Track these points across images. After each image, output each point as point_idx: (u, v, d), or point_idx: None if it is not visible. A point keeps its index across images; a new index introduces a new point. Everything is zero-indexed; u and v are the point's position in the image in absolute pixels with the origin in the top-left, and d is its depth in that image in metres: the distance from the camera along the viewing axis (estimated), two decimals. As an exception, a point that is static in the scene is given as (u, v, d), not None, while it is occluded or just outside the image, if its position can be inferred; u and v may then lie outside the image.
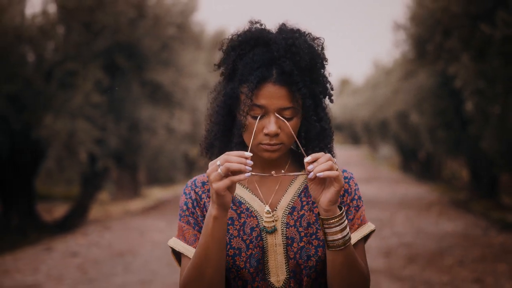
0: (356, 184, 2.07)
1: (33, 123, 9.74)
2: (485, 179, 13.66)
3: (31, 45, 10.36)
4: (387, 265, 7.57)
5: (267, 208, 2.00)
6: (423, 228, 10.47)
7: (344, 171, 2.06)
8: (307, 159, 1.81)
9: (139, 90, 11.44)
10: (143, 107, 11.52)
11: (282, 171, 1.96)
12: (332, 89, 2.03)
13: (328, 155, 1.81)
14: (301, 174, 1.87)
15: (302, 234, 1.98)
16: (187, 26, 12.28)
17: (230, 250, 1.96)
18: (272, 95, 1.88)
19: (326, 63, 2.01)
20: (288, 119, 1.90)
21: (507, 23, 6.11)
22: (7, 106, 9.31)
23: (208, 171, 1.78)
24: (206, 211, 1.98)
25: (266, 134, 1.90)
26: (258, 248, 1.98)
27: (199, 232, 1.98)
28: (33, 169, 10.83)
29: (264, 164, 2.01)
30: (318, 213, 1.87)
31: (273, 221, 1.99)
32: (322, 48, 2.01)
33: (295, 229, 1.99)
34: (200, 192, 2.03)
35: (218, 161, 1.76)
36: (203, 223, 1.97)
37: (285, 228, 2.00)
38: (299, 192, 2.04)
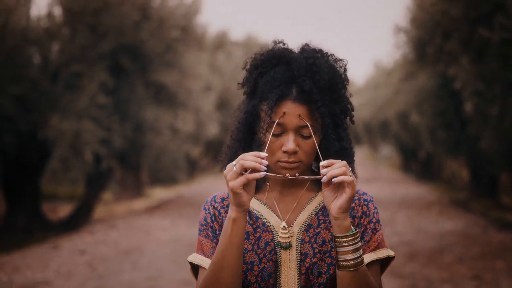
0: (375, 208, 2.05)
1: (39, 124, 9.85)
2: (485, 179, 13.82)
3: (37, 47, 10.52)
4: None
5: (283, 224, 2.02)
6: (423, 227, 10.64)
7: (364, 193, 2.07)
8: (323, 162, 1.83)
9: (143, 91, 11.60)
10: (148, 107, 11.67)
11: (297, 174, 1.93)
12: (352, 110, 2.05)
13: (344, 162, 1.84)
14: (316, 178, 1.87)
15: (316, 250, 1.99)
16: (190, 28, 12.42)
17: (243, 265, 1.96)
18: (291, 112, 1.90)
19: (347, 84, 2.03)
20: (307, 137, 1.92)
21: (504, 26, 6.28)
22: (14, 107, 9.41)
23: (224, 172, 1.84)
24: None
25: (285, 152, 1.91)
26: (271, 262, 1.99)
27: (217, 244, 1.97)
28: (39, 169, 10.97)
29: (284, 183, 2.03)
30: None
31: (288, 236, 2.00)
32: (345, 70, 2.03)
33: (310, 245, 2.00)
34: (218, 207, 2.06)
35: (234, 161, 1.82)
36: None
37: (300, 244, 2.01)
38: (317, 210, 2.05)
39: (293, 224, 2.02)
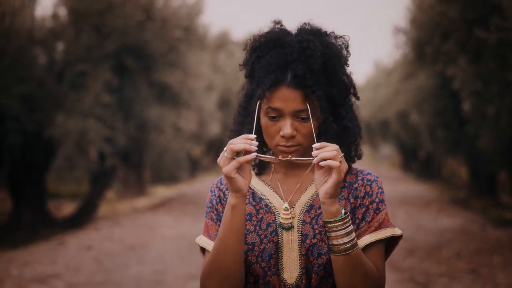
0: (379, 188, 2.04)
1: (44, 123, 9.97)
2: (483, 178, 13.96)
3: (42, 47, 10.67)
4: (388, 257, 7.90)
5: (286, 205, 2.02)
6: (422, 224, 10.81)
7: (368, 173, 2.06)
8: (315, 145, 1.84)
9: (147, 90, 11.75)
10: (151, 107, 11.82)
11: (289, 156, 1.93)
12: (354, 88, 2.07)
13: (336, 146, 1.83)
14: (307, 160, 1.88)
15: (317, 231, 1.99)
16: (193, 29, 12.55)
17: (244, 246, 1.96)
18: (286, 98, 1.90)
19: (347, 62, 2.04)
20: (304, 120, 1.93)
21: (501, 28, 6.45)
22: (20, 106, 9.52)
23: (218, 159, 1.86)
24: None
25: (282, 136, 1.93)
26: (271, 243, 1.99)
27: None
28: (44, 168, 11.12)
29: (288, 164, 2.05)
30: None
31: (290, 218, 2.00)
32: (346, 46, 2.03)
33: (311, 226, 2.00)
34: (224, 189, 2.08)
35: (225, 147, 1.84)
36: None
37: (301, 225, 2.01)
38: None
39: (295, 205, 2.04)
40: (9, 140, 9.59)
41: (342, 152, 1.88)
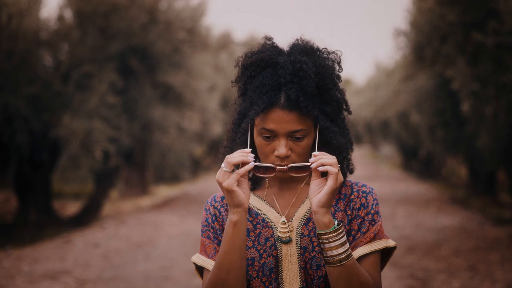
0: (375, 199, 2.04)
1: (51, 123, 10.11)
2: (483, 177, 14.12)
3: (48, 49, 10.84)
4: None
5: (283, 218, 2.03)
6: (422, 222, 11.00)
7: (363, 185, 2.07)
8: (315, 153, 1.88)
9: (151, 91, 11.93)
10: (155, 107, 12.00)
11: (286, 165, 1.94)
12: (346, 103, 2.10)
13: (334, 157, 1.87)
14: (305, 165, 1.91)
15: (315, 244, 2.00)
16: (196, 30, 12.74)
17: None
18: (280, 119, 1.91)
19: (340, 80, 2.05)
20: (299, 140, 1.94)
21: (497, 31, 6.64)
22: (27, 107, 9.68)
23: (216, 177, 1.87)
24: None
25: (277, 156, 1.94)
26: (271, 257, 2.00)
27: (219, 245, 2.02)
28: (50, 167, 11.28)
29: (282, 179, 2.05)
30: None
31: (288, 231, 2.01)
32: (338, 63, 2.04)
33: (309, 239, 2.01)
34: (218, 207, 2.08)
35: (222, 164, 1.87)
36: (221, 237, 2.03)
37: (299, 239, 2.02)
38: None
39: (292, 219, 2.04)
40: (16, 140, 9.72)
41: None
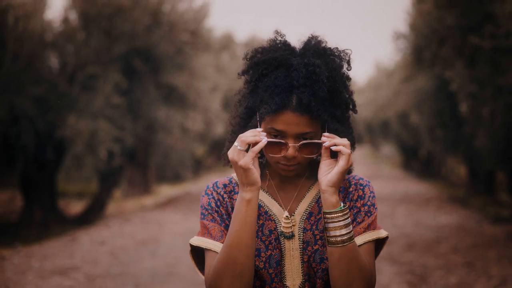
0: (371, 192, 2.08)
1: (57, 124, 10.25)
2: (482, 177, 14.28)
3: (54, 50, 11.01)
4: (388, 252, 8.32)
5: (286, 213, 2.05)
6: (421, 221, 11.19)
7: (361, 178, 2.10)
8: (326, 134, 1.95)
9: (155, 92, 12.09)
10: (159, 108, 12.17)
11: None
12: (354, 104, 2.12)
13: (346, 139, 1.94)
14: (318, 142, 1.95)
15: (318, 237, 2.03)
16: (199, 32, 12.90)
17: None
18: (290, 121, 1.93)
19: (349, 79, 2.08)
20: (309, 145, 1.97)
21: (494, 35, 6.84)
22: (33, 107, 9.82)
23: (230, 156, 1.90)
24: (230, 210, 2.06)
25: (284, 156, 1.96)
26: (277, 250, 2.03)
27: (226, 229, 2.02)
28: (55, 167, 11.45)
29: (283, 175, 2.08)
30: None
31: (291, 226, 2.03)
32: (348, 62, 2.06)
33: (311, 232, 2.04)
34: (222, 193, 2.09)
35: (236, 143, 1.90)
36: (228, 221, 2.04)
37: (302, 233, 2.04)
38: (317, 198, 2.09)
39: (294, 213, 2.07)
40: (22, 140, 9.85)
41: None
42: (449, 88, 10.00)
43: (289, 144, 1.95)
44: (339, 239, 1.89)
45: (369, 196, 2.07)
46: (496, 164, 10.26)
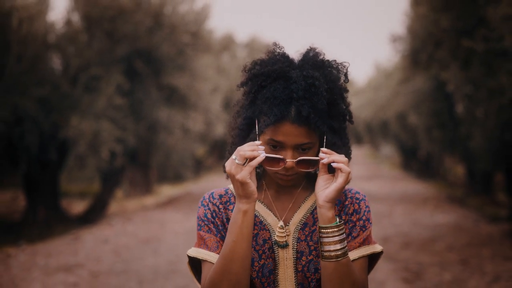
0: (367, 207, 2.10)
1: (60, 124, 10.40)
2: (478, 177, 14.42)
3: (57, 52, 11.16)
4: (385, 250, 8.43)
5: (281, 223, 2.06)
6: (418, 220, 11.36)
7: (357, 192, 2.12)
8: (324, 149, 1.96)
9: (156, 93, 12.25)
10: (160, 109, 12.32)
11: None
12: (351, 115, 2.13)
13: (344, 156, 1.96)
14: (315, 159, 1.96)
15: (312, 248, 2.05)
16: (200, 34, 13.05)
17: None
18: (289, 133, 1.95)
19: (347, 91, 2.10)
20: (305, 151, 2.00)
21: (487, 38, 7.01)
22: (37, 108, 9.97)
23: (227, 169, 1.92)
24: (225, 221, 2.08)
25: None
26: (270, 259, 2.05)
27: (221, 240, 2.04)
28: (58, 167, 11.60)
29: (277, 184, 2.11)
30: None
31: (285, 236, 2.05)
32: (345, 74, 2.09)
33: (306, 243, 2.06)
34: (217, 203, 2.11)
35: (233, 156, 1.92)
36: (223, 232, 2.06)
37: (296, 243, 2.06)
38: (312, 209, 2.10)
39: (289, 223, 2.09)
40: (26, 141, 9.98)
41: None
42: (446, 89, 10.16)
43: (287, 160, 1.97)
44: (333, 254, 1.92)
45: (365, 211, 2.09)
46: (492, 165, 10.41)
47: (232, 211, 2.08)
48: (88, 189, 15.88)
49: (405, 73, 13.69)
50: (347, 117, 2.12)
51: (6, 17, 9.83)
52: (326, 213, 1.92)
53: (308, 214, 2.10)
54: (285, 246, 2.06)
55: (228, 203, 2.13)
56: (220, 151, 26.05)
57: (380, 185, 18.19)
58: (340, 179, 1.92)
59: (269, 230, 2.08)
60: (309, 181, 2.14)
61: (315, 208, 2.09)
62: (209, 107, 15.79)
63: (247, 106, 2.07)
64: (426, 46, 9.17)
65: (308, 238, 2.07)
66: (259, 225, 2.09)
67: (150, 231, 10.59)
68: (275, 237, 2.06)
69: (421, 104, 13.84)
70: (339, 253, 1.91)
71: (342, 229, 1.93)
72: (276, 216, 2.10)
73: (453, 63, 8.46)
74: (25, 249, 8.88)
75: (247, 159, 1.92)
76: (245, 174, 1.90)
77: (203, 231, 2.07)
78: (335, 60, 2.08)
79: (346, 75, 2.09)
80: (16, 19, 9.96)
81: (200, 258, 2.04)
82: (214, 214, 2.08)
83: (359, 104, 28.82)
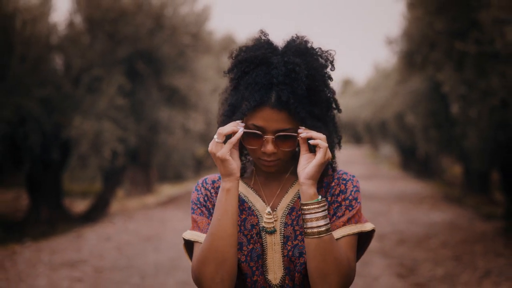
0: (354, 186, 2.10)
1: (62, 124, 10.57)
2: (475, 176, 14.57)
3: (60, 53, 11.33)
4: (381, 247, 8.73)
5: (268, 209, 2.09)
6: (415, 218, 11.56)
7: (344, 173, 2.13)
8: (302, 128, 1.99)
9: (157, 93, 12.42)
10: (161, 109, 12.48)
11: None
12: (336, 102, 2.13)
13: (322, 134, 1.98)
14: (294, 134, 1.99)
15: (298, 232, 2.07)
16: (200, 35, 13.22)
17: None
18: (269, 118, 1.97)
19: (331, 79, 2.09)
20: (287, 139, 2.01)
21: (479, 41, 7.22)
22: (40, 109, 10.15)
23: (209, 149, 1.98)
24: None
25: (264, 152, 2.01)
26: (258, 244, 2.08)
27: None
28: (60, 167, 11.77)
29: (267, 171, 2.12)
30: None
31: (272, 222, 2.08)
32: (331, 62, 2.09)
33: (292, 227, 2.08)
34: (209, 188, 2.15)
35: (215, 136, 1.99)
36: None
37: (283, 228, 2.08)
38: (299, 193, 2.06)
39: (276, 208, 2.11)
40: (29, 141, 10.14)
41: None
42: (441, 90, 10.31)
43: (265, 136, 2.00)
44: (315, 230, 1.93)
45: (351, 191, 2.09)
46: (487, 164, 10.58)
47: None
48: (90, 188, 16.06)
49: (402, 74, 13.83)
50: (333, 105, 2.13)
51: (9, 19, 10.00)
52: (307, 190, 1.95)
53: (296, 199, 2.12)
54: (272, 232, 2.08)
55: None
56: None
57: (379, 185, 18.36)
58: (318, 155, 1.95)
59: (257, 216, 2.11)
60: (295, 170, 2.13)
61: None
62: (209, 107, 15.96)
63: (231, 92, 2.10)
64: (421, 48, 9.38)
65: (295, 223, 2.08)
66: (247, 210, 2.13)
67: (152, 229, 10.80)
68: (263, 223, 2.09)
69: (418, 105, 13.96)
70: (322, 229, 1.92)
71: (324, 205, 1.94)
72: (264, 202, 2.13)
73: (447, 64, 8.65)
74: (29, 246, 9.10)
75: (226, 137, 1.99)
76: (225, 151, 1.96)
77: (196, 214, 2.12)
78: (320, 48, 2.09)
79: (332, 63, 2.09)
80: (20, 21, 10.13)
81: (193, 240, 2.08)
82: (206, 198, 2.13)
83: (358, 104, 28.94)
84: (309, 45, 2.07)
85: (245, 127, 2.02)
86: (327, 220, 1.94)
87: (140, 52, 11.74)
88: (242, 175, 2.19)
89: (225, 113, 2.09)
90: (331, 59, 2.08)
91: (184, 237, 2.11)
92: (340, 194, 2.08)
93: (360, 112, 28.36)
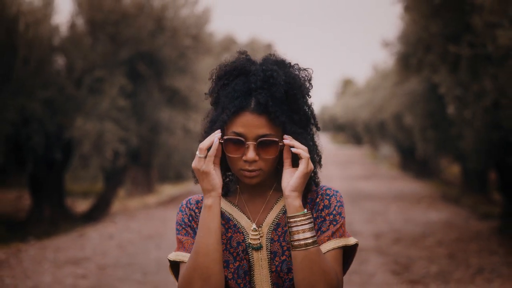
0: (338, 201, 2.09)
1: (65, 125, 10.75)
2: (473, 176, 14.71)
3: (62, 55, 11.50)
4: (377, 245, 8.93)
5: (254, 226, 2.08)
6: (411, 217, 11.75)
7: (328, 189, 2.11)
8: (287, 136, 1.99)
9: (158, 94, 12.59)
10: (162, 110, 12.65)
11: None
12: (315, 118, 2.13)
13: (305, 146, 1.99)
14: (276, 140, 1.98)
15: (285, 248, 2.06)
16: (201, 36, 13.37)
17: None
18: (249, 123, 1.98)
19: (309, 92, 2.09)
20: (268, 145, 2.00)
21: (472, 44, 7.40)
22: (43, 110, 10.33)
23: (192, 165, 1.99)
24: None
25: (245, 161, 1.99)
26: (245, 261, 2.07)
27: None
28: (62, 167, 11.93)
29: (253, 185, 2.08)
30: None
31: (258, 238, 2.07)
32: (309, 79, 2.09)
33: (279, 243, 2.07)
34: (194, 208, 2.12)
35: (197, 152, 1.99)
36: None
37: (269, 244, 2.07)
38: (285, 209, 2.08)
39: (262, 225, 2.10)
40: (32, 141, 10.30)
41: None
42: (438, 91, 10.48)
43: (247, 143, 1.99)
44: (302, 242, 1.94)
45: (335, 206, 2.09)
46: (482, 164, 10.73)
47: None
48: (92, 188, 16.21)
49: (399, 76, 13.97)
50: (312, 121, 2.13)
51: (13, 22, 10.16)
52: (292, 203, 1.96)
53: (281, 215, 2.11)
54: (258, 248, 2.08)
55: None
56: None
57: (377, 184, 18.52)
58: (301, 166, 1.96)
59: (242, 233, 2.11)
60: (279, 186, 2.10)
61: None
62: (209, 108, 16.11)
63: (212, 108, 2.12)
64: (417, 50, 9.57)
65: (281, 239, 2.08)
66: (233, 228, 2.12)
67: (153, 228, 10.99)
68: (249, 240, 2.09)
69: (416, 105, 14.09)
70: (309, 241, 1.94)
71: (309, 218, 1.96)
72: (249, 219, 2.12)
73: (442, 66, 8.83)
74: (34, 244, 9.30)
75: (208, 151, 1.99)
76: (208, 164, 1.98)
77: (181, 234, 2.10)
78: (297, 64, 2.11)
79: (310, 81, 2.11)
80: (23, 23, 10.28)
81: (178, 260, 2.08)
82: (190, 218, 2.11)
83: (358, 104, 29.02)
84: (286, 60, 2.10)
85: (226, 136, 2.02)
86: (314, 232, 1.97)
87: (141, 53, 11.90)
88: (226, 194, 2.16)
89: (206, 129, 2.09)
90: (309, 77, 2.11)
91: (169, 259, 2.11)
92: (324, 209, 2.09)
93: (360, 112, 28.46)
